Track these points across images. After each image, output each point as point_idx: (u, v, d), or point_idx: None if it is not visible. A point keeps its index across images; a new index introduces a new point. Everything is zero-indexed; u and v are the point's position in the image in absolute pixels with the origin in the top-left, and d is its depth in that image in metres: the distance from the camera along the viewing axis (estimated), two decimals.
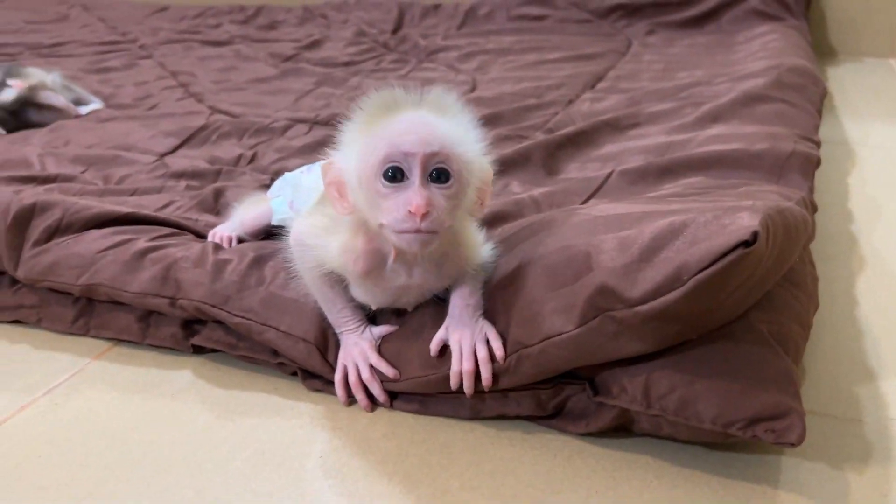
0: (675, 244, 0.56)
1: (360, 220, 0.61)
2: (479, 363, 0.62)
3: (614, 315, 0.56)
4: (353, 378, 0.67)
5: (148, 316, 0.79)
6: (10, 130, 1.35)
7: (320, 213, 0.68)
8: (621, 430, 0.63)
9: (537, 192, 0.91)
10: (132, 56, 1.90)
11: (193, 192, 0.99)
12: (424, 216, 0.56)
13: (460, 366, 0.63)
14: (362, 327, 0.68)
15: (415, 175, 0.57)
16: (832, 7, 1.91)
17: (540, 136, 1.14)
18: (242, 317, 0.72)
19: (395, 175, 0.57)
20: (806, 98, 1.18)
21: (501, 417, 0.66)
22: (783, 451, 0.62)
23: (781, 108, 1.11)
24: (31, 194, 0.85)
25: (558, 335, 0.59)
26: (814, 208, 0.84)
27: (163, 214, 0.90)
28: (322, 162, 0.62)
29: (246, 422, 0.67)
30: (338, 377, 0.68)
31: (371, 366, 0.67)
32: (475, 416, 0.67)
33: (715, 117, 1.10)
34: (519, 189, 0.94)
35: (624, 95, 1.34)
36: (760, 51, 1.54)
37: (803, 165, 0.89)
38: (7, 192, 0.86)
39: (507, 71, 1.62)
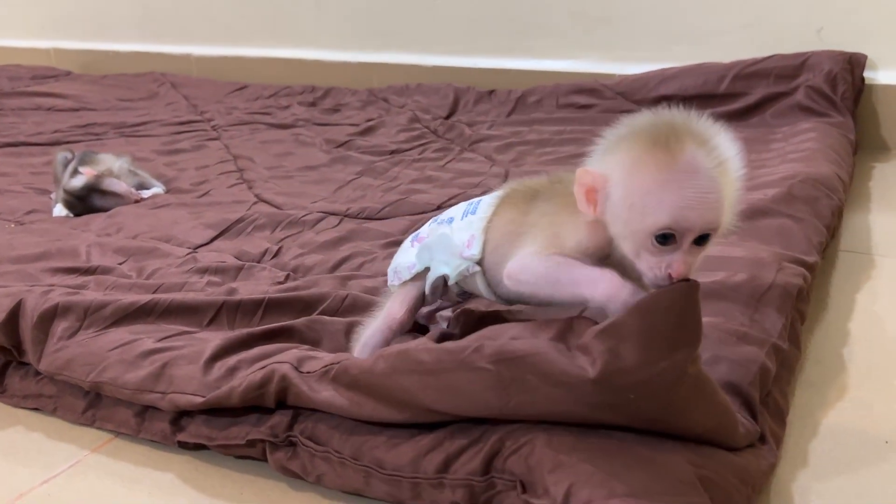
0: None
1: (600, 222, 0.66)
2: None
3: None
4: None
5: (144, 411, 0.87)
6: (77, 214, 1.51)
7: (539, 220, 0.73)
8: None
9: None
10: (202, 137, 2.06)
11: (213, 289, 1.08)
12: (682, 278, 0.63)
13: None
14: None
15: (685, 242, 0.62)
16: (884, 103, 1.88)
17: None
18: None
19: (666, 240, 0.62)
20: (814, 212, 1.18)
21: None
22: None
23: (784, 224, 1.12)
24: (57, 294, 0.96)
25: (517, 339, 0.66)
26: (782, 353, 0.85)
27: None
28: (578, 169, 0.66)
29: None
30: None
31: None
32: (415, 497, 0.71)
33: None
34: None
35: None
36: (792, 152, 1.54)
37: (781, 300, 0.90)
38: (36, 293, 0.97)
39: (540, 164, 1.67)
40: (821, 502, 0.73)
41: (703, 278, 0.94)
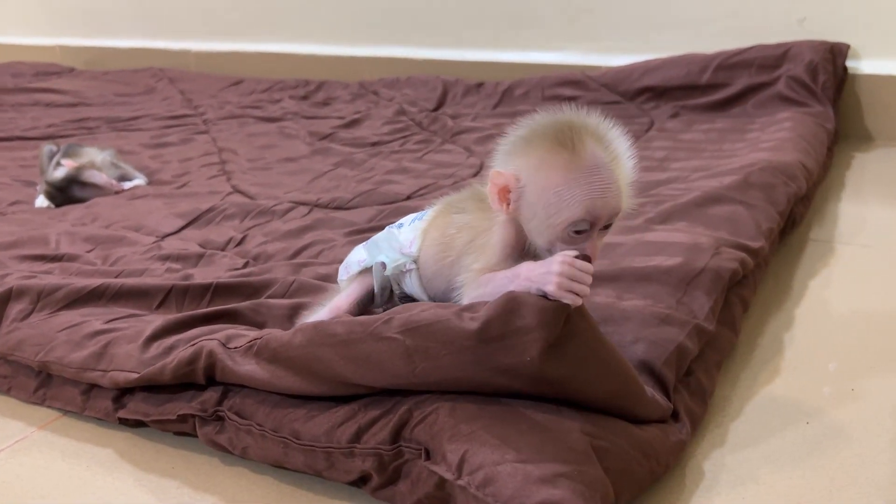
0: None
1: (513, 219, 0.72)
2: None
3: None
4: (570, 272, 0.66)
5: (90, 390, 0.90)
6: (58, 205, 1.54)
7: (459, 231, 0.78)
8: None
9: None
10: (192, 131, 2.10)
11: (170, 275, 1.11)
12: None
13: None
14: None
15: (595, 230, 0.69)
16: (867, 92, 1.87)
17: None
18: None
19: (581, 230, 0.68)
20: (769, 199, 1.19)
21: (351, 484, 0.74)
22: None
23: (734, 211, 1.13)
24: (13, 279, 1.00)
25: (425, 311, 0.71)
26: (707, 334, 0.87)
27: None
28: (491, 170, 0.71)
29: (140, 493, 0.77)
30: (555, 284, 0.66)
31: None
32: (329, 467, 0.73)
33: (665, 218, 1.13)
34: None
35: None
36: (765, 141, 1.54)
37: (711, 283, 0.91)
38: None
39: None
40: (730, 478, 0.75)
41: (640, 263, 0.96)
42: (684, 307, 0.87)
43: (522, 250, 0.73)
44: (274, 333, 0.77)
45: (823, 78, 1.80)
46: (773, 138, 1.54)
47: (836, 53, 1.84)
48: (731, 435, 0.81)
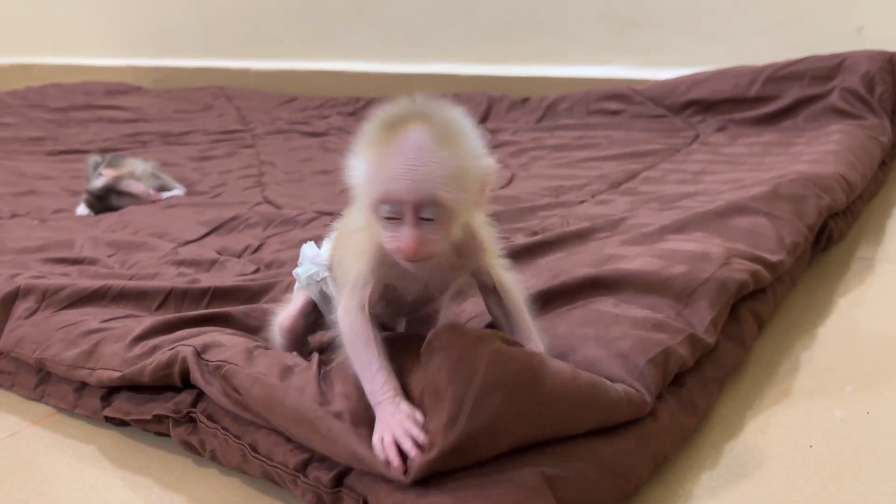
0: None
1: None
2: None
3: None
4: (387, 440, 0.64)
5: (82, 388, 0.91)
6: (97, 212, 1.59)
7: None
8: None
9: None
10: (238, 145, 2.14)
11: (179, 279, 1.12)
12: (416, 253, 0.62)
13: None
14: (398, 398, 0.66)
15: (406, 217, 0.61)
16: None
17: (519, 240, 1.17)
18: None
19: (389, 213, 0.62)
20: (797, 211, 1.12)
21: None
22: None
23: (756, 222, 1.07)
24: (22, 278, 1.02)
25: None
26: (705, 347, 0.81)
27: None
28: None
29: (112, 489, 0.78)
30: (376, 443, 0.64)
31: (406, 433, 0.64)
32: (283, 483, 0.71)
33: (681, 228, 1.07)
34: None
35: (632, 198, 1.33)
36: (809, 153, 1.46)
37: (716, 293, 0.86)
38: (3, 277, 1.04)
39: (549, 168, 1.66)
40: (699, 484, 0.70)
41: (644, 271, 0.91)
42: (682, 318, 0.82)
43: (385, 259, 0.67)
44: (240, 372, 0.75)
45: (881, 89, 1.71)
46: (816, 151, 1.46)
47: (895, 64, 1.74)
48: (725, 457, 0.76)
